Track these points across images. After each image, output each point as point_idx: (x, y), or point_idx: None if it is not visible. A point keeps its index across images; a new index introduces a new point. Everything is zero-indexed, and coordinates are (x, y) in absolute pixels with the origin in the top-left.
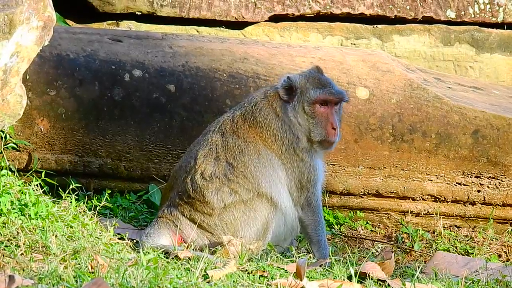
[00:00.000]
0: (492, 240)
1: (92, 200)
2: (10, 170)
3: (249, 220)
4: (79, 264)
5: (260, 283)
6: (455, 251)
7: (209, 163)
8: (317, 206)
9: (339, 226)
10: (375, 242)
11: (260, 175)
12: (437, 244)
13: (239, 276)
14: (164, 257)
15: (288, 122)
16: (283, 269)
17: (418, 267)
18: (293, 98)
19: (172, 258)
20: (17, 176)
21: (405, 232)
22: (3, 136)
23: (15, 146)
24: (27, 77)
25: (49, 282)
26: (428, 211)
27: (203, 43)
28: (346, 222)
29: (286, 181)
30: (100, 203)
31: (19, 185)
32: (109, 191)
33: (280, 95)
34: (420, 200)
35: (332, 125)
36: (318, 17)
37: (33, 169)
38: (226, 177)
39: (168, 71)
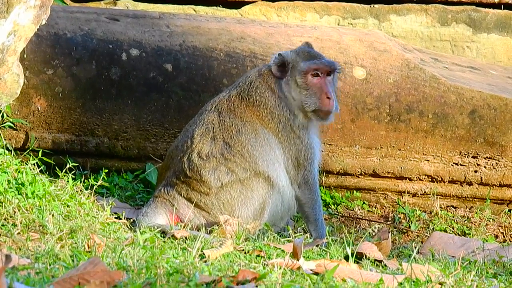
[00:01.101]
0: (489, 221)
1: (89, 179)
2: (7, 149)
3: (246, 200)
4: (75, 243)
5: (256, 263)
6: (452, 231)
7: (206, 143)
8: (314, 184)
9: (335, 206)
10: (372, 222)
11: (257, 154)
12: (434, 225)
13: (236, 256)
14: (161, 236)
15: (284, 98)
16: (280, 249)
17: (415, 247)
18: (286, 74)
19: (169, 238)
20: (14, 155)
21: (402, 212)
22: (0, 115)
23: (12, 125)
24: (24, 56)
25: (46, 261)
26: (425, 191)
27: (200, 22)
28: (343, 202)
29: (283, 160)
30: (97, 182)
31: (16, 164)
32: (106, 170)
33: (273, 72)
34: (417, 180)
35: (326, 94)
36: None
37: (30, 148)
38: (223, 156)
39: (165, 50)
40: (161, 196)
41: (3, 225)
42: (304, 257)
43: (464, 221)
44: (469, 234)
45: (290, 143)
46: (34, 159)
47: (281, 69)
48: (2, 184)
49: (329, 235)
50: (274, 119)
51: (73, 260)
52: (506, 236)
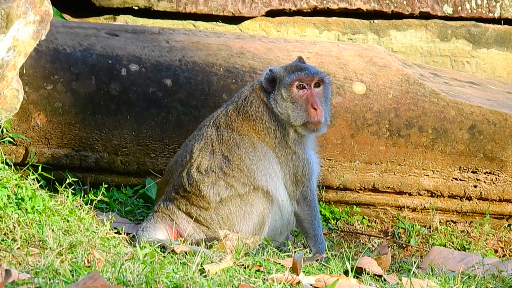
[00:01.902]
0: (489, 235)
1: (89, 194)
2: (7, 164)
3: (245, 215)
4: (75, 258)
5: (256, 278)
6: (452, 246)
7: (204, 157)
8: (313, 200)
9: (335, 221)
10: (372, 237)
11: (256, 168)
12: (434, 239)
13: (236, 271)
14: (161, 251)
15: (276, 113)
16: (280, 263)
17: (415, 262)
18: (275, 88)
19: (169, 253)
20: (13, 170)
21: (402, 227)
22: (0, 130)
23: (11, 140)
24: (24, 71)
25: (46, 276)
26: (424, 206)
27: (199, 37)
28: (343, 217)
29: (281, 175)
30: (97, 197)
31: (15, 179)
32: (106, 185)
33: (264, 87)
34: (416, 195)
35: (312, 105)
36: (315, 12)
37: (30, 163)
38: (222, 171)
39: (165, 65)
40: (161, 211)
41: (3, 240)
42: (303, 272)
43: (464, 235)
44: (469, 248)
45: (287, 158)
46: (33, 174)
47: (272, 84)
48: (2, 199)
49: (328, 250)
50: (270, 134)
51: (72, 275)
52: (506, 251)
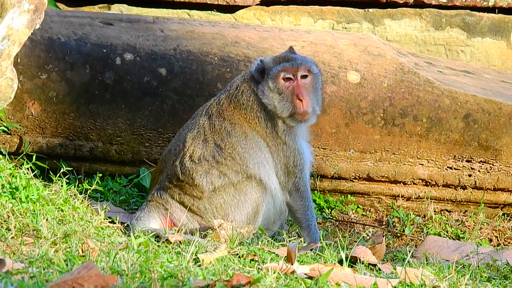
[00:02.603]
0: (483, 225)
1: (83, 184)
2: (1, 153)
3: (239, 203)
4: (69, 247)
5: (251, 267)
6: (446, 235)
7: (197, 146)
8: (305, 191)
9: (330, 210)
10: (366, 226)
11: (248, 156)
12: (428, 228)
13: (230, 260)
14: (155, 241)
15: (265, 104)
16: (274, 253)
17: (409, 251)
18: (263, 79)
19: (163, 242)
20: (8, 160)
21: (396, 216)
22: None
23: (6, 129)
24: (18, 60)
25: (40, 266)
26: (419, 195)
27: (194, 26)
28: (337, 206)
29: (273, 164)
30: (91, 186)
31: (10, 169)
32: (100, 175)
33: (255, 77)
34: (411, 184)
35: (298, 96)
36: (310, 1)
37: (24, 153)
38: (214, 159)
39: (160, 54)
40: (155, 200)
41: None
42: (298, 261)
43: (458, 225)
44: (463, 238)
45: (278, 148)
46: (28, 164)
47: (262, 74)
48: None
49: (323, 239)
50: (261, 124)
51: (67, 265)
52: (500, 240)
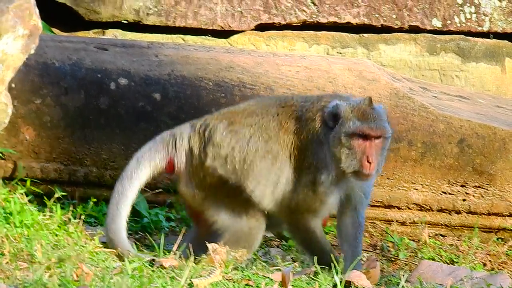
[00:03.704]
0: (477, 249)
1: (77, 209)
2: None
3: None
4: (64, 272)
5: None
6: (440, 260)
7: (243, 123)
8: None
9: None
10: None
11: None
12: (422, 253)
13: (224, 285)
14: (149, 265)
15: (326, 149)
16: (269, 277)
17: (403, 276)
18: (335, 127)
19: (157, 267)
20: (2, 185)
21: (390, 241)
22: None
23: (0, 154)
24: (13, 85)
25: None
26: (413, 220)
27: (189, 51)
28: (332, 231)
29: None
30: (85, 211)
31: (4, 194)
32: (95, 200)
33: (326, 120)
34: (405, 209)
35: (368, 158)
36: (304, 26)
37: (18, 178)
38: (236, 145)
39: (154, 79)
40: (170, 134)
41: None
42: (292, 286)
43: (453, 249)
44: (457, 262)
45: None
46: (22, 189)
47: (335, 119)
48: None
49: (317, 264)
50: (307, 159)
51: None
52: (494, 264)
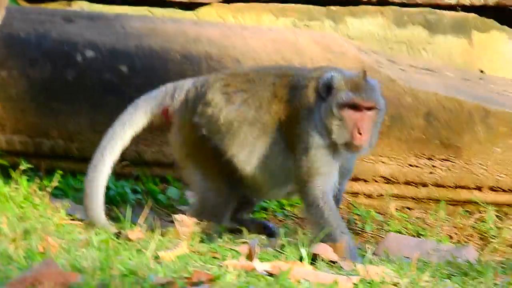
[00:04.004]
0: (444, 222)
1: (44, 181)
2: None
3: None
4: (29, 244)
5: (211, 264)
6: (407, 232)
7: (234, 83)
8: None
9: (292, 207)
10: None
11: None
12: (389, 226)
13: (191, 257)
14: (116, 238)
15: (317, 120)
16: (235, 250)
17: (370, 248)
18: (328, 98)
19: (124, 239)
20: None
21: (357, 214)
22: None
23: None
24: None
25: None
26: (380, 193)
27: (156, 24)
28: (298, 204)
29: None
30: (51, 184)
31: None
32: (61, 172)
33: (320, 91)
34: (372, 182)
35: (359, 129)
36: None
37: None
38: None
39: (121, 52)
40: (170, 85)
41: None
42: (259, 258)
43: (419, 222)
44: (424, 235)
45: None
46: None
47: (329, 90)
48: None
49: (284, 237)
50: (298, 127)
51: (27, 262)
52: (460, 237)
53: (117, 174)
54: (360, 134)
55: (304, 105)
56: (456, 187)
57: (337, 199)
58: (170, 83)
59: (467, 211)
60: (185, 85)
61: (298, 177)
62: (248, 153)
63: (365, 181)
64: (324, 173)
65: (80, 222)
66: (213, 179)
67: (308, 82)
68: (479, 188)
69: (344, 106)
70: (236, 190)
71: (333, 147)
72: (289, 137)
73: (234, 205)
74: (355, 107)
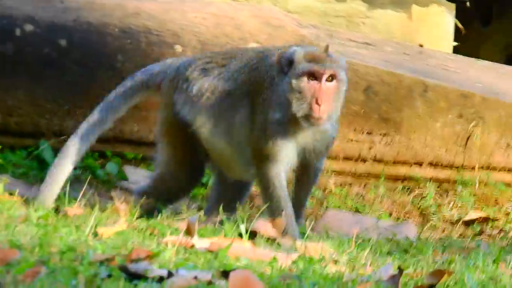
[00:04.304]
0: (383, 198)
1: None
2: None
3: None
4: None
5: (150, 241)
6: (346, 208)
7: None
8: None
9: None
10: None
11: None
12: (328, 202)
13: (130, 234)
14: (55, 213)
15: (278, 94)
16: (174, 227)
17: (309, 225)
18: (289, 72)
19: (62, 215)
20: None
21: None
22: None
23: None
24: None
25: None
26: None
27: None
28: None
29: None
30: None
31: None
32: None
33: (282, 65)
34: None
35: (317, 100)
36: None
37: None
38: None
39: (60, 26)
40: (171, 60)
41: None
42: (198, 234)
43: (359, 198)
44: (364, 211)
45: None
46: None
47: (290, 64)
48: None
49: (223, 213)
50: (262, 101)
51: None
52: (400, 214)
53: (56, 149)
54: (318, 105)
55: (269, 81)
56: (396, 162)
57: (315, 175)
58: (173, 58)
59: (407, 187)
60: (180, 61)
61: (253, 151)
62: (214, 125)
63: None
64: (280, 152)
65: (19, 198)
66: (176, 163)
67: (273, 57)
68: (419, 164)
69: (302, 76)
70: (194, 183)
71: (293, 123)
72: (253, 109)
73: (183, 198)
74: (314, 77)
